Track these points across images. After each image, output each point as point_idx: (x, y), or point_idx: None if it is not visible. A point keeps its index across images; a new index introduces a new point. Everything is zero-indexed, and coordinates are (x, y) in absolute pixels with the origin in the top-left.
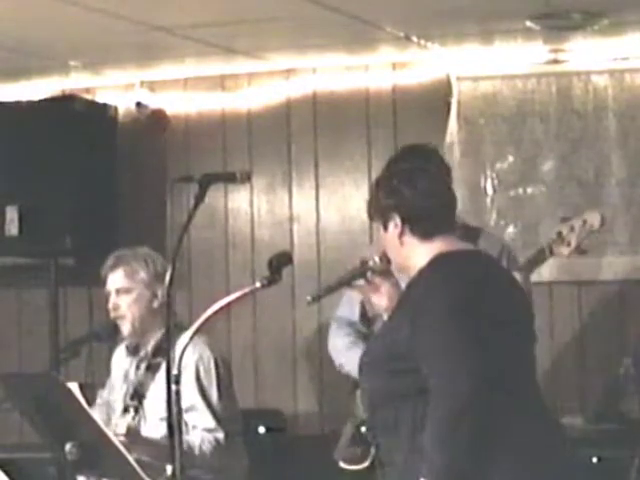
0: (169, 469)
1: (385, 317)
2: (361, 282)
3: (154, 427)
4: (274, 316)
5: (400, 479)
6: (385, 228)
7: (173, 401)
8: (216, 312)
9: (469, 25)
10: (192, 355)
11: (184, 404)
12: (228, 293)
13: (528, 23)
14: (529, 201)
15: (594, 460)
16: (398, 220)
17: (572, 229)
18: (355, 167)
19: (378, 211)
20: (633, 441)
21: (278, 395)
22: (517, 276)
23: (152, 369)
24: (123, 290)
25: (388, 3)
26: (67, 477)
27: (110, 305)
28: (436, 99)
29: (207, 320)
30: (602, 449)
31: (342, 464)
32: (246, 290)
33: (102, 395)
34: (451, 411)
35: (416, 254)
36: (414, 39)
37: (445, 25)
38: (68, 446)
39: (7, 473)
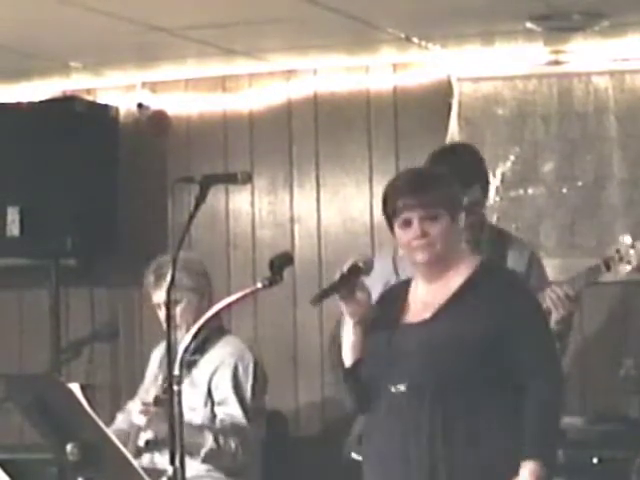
0: (170, 469)
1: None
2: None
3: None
4: (275, 317)
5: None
6: (453, 218)
7: (175, 402)
8: (217, 312)
9: (470, 26)
10: (231, 354)
11: (217, 397)
12: (229, 294)
13: (529, 24)
14: (529, 202)
15: (594, 461)
16: None
17: (633, 247)
18: (356, 168)
19: (456, 199)
20: (633, 442)
21: (278, 395)
22: (566, 287)
23: (189, 365)
24: (172, 303)
25: (389, 4)
26: (68, 478)
27: (163, 318)
28: (437, 100)
29: (208, 320)
30: (602, 450)
31: (356, 456)
32: (247, 291)
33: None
34: (560, 396)
35: (459, 253)
36: (415, 40)
37: (446, 26)
38: (69, 447)
39: (8, 473)
